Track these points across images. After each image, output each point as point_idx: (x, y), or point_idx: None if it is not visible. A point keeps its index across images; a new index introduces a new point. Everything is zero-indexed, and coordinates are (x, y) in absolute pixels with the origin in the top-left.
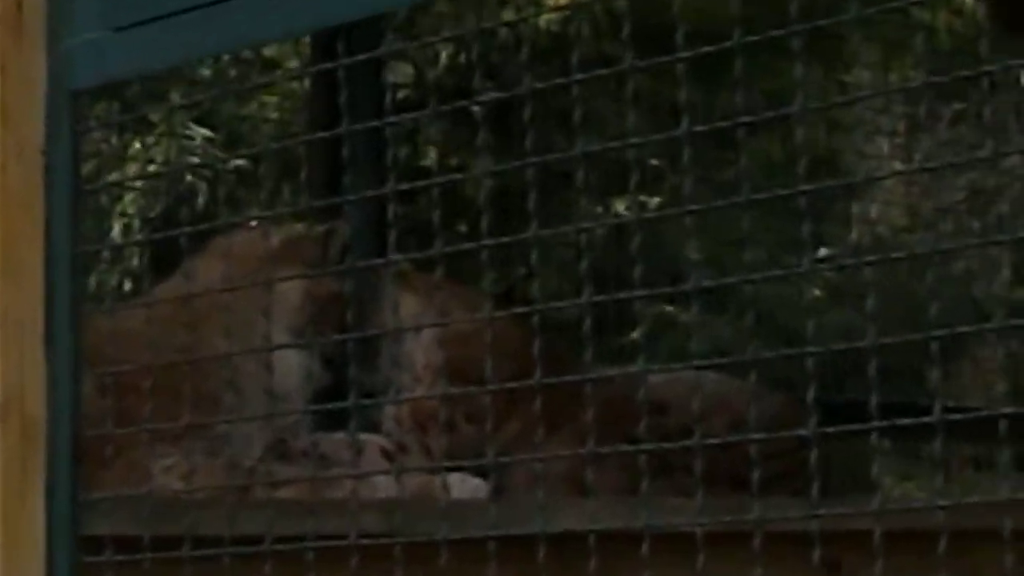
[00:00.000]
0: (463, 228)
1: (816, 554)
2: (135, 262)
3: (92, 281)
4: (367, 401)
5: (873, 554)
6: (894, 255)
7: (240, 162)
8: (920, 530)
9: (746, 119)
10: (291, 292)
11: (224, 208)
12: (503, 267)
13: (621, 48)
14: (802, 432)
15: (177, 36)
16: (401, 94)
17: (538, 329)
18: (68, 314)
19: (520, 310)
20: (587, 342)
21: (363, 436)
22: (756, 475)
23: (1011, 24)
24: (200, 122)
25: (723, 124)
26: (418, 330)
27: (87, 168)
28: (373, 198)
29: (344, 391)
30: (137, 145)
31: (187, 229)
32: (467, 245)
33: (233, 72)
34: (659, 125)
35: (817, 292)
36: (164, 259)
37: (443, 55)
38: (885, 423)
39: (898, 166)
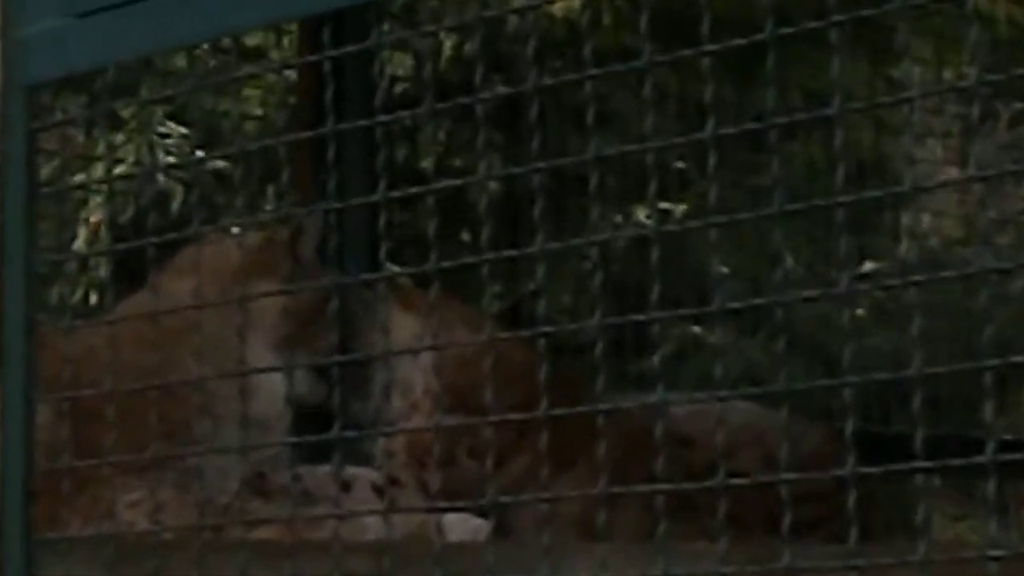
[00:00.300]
0: (467, 238)
1: None
2: (102, 273)
3: (54, 294)
4: (354, 433)
5: None
6: (942, 274)
7: (219, 163)
8: None
9: (779, 120)
10: (268, 306)
11: (202, 213)
12: (509, 282)
13: (642, 40)
14: (839, 472)
15: (147, 23)
16: (401, 88)
17: (548, 352)
18: (22, 331)
19: (527, 333)
20: (602, 367)
21: (351, 470)
22: (787, 518)
23: None
24: (174, 118)
25: (753, 126)
26: (415, 353)
27: (48, 170)
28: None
29: (331, 415)
30: (104, 144)
31: (154, 239)
32: (468, 260)
33: (212, 63)
34: (686, 125)
35: (860, 311)
36: (134, 270)
37: (447, 45)
38: (930, 464)
39: (952, 172)
